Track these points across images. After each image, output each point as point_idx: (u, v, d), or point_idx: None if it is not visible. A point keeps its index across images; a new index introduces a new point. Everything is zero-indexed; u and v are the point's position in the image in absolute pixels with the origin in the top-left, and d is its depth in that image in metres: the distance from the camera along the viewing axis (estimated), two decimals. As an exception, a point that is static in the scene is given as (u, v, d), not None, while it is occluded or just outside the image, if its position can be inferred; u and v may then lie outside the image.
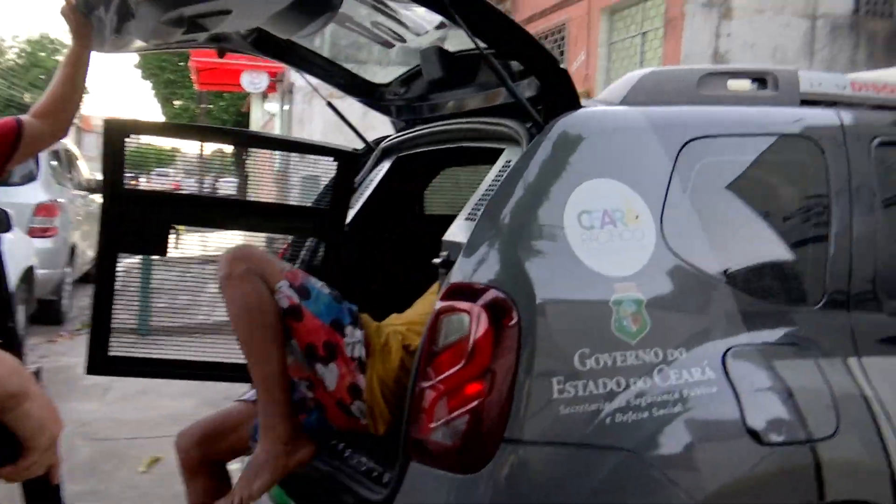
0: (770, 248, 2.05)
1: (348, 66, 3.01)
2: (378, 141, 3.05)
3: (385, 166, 2.93)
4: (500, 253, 1.84)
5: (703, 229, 1.95)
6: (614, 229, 1.86)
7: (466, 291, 1.80)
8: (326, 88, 3.10)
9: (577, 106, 2.01)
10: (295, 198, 3.26)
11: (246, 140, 2.87)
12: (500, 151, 2.22)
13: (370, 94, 2.99)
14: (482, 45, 1.94)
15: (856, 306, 2.05)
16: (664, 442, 1.75)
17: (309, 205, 2.85)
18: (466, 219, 2.09)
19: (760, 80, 2.29)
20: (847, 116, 2.24)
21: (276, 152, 3.33)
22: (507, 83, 1.94)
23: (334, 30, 2.72)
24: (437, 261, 2.11)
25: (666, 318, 1.83)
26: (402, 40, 2.61)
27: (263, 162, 3.43)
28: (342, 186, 2.77)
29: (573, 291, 1.81)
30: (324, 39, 3.02)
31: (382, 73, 3.09)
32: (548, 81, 2.02)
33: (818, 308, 2.01)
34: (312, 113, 12.70)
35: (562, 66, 1.99)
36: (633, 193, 1.91)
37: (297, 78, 12.64)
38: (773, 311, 1.96)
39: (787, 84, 2.28)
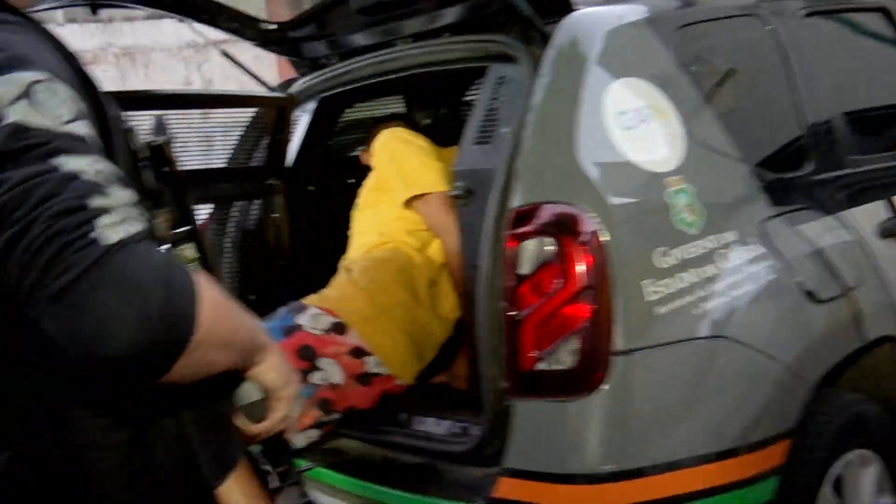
0: (767, 121, 2.15)
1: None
2: (284, 86, 2.77)
3: (308, 111, 2.68)
4: (556, 168, 1.76)
5: (713, 113, 1.99)
6: (649, 126, 1.85)
7: (537, 214, 1.71)
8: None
9: (570, 8, 1.94)
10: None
11: (157, 101, 2.45)
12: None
13: (266, 35, 2.69)
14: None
15: (830, 166, 2.20)
16: (751, 321, 1.80)
17: (248, 164, 2.55)
18: (477, 143, 1.98)
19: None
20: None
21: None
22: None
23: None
24: (453, 193, 1.98)
25: (712, 204, 1.86)
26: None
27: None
28: (278, 138, 2.50)
29: (636, 192, 1.78)
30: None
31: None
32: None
33: (811, 171, 2.14)
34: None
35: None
36: (653, 89, 1.90)
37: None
38: (783, 180, 2.06)
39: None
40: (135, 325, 0.77)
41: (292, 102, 2.51)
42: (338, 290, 2.22)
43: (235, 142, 2.54)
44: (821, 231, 2.04)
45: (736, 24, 2.21)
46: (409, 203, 2.28)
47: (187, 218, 1.16)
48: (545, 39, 1.88)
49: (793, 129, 2.18)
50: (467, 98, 3.13)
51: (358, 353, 2.11)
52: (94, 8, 2.42)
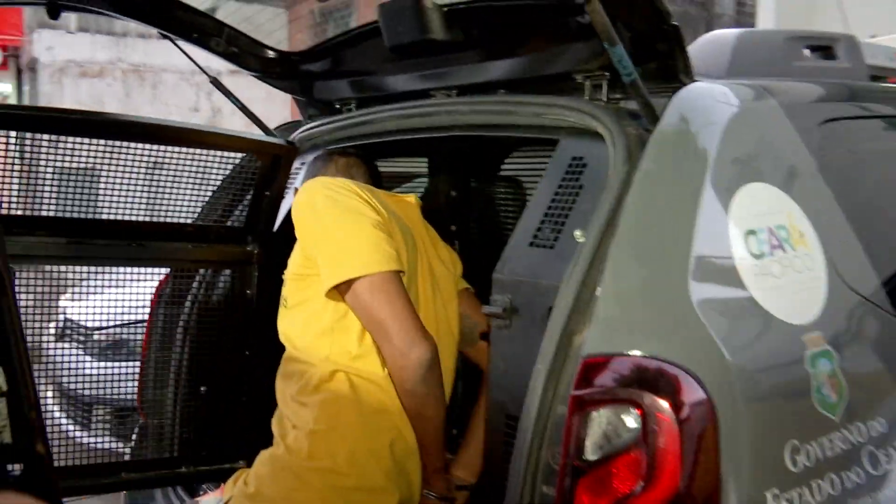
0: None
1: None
2: (287, 129, 2.24)
3: (306, 164, 2.15)
4: (655, 302, 1.20)
5: (860, 244, 1.45)
6: (784, 255, 1.30)
7: (619, 369, 1.15)
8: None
9: (690, 78, 1.42)
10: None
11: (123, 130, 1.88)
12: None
13: (270, 65, 2.17)
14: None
15: None
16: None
17: (223, 223, 2.01)
18: (533, 245, 1.43)
19: (825, 48, 1.84)
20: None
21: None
22: (615, 45, 1.29)
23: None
24: (491, 309, 1.43)
25: (858, 377, 1.31)
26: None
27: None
28: (266, 194, 1.96)
29: (765, 353, 1.23)
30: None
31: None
32: (648, 43, 1.41)
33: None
34: (62, 95, 10.90)
35: (673, 21, 1.38)
36: (790, 202, 1.36)
37: (41, 52, 10.79)
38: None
39: (854, 55, 1.86)
40: None
41: (293, 151, 1.97)
42: (281, 481, 1.53)
43: (209, 193, 2.00)
44: None
45: (886, 127, 1.69)
46: (333, 293, 1.55)
47: None
48: (650, 115, 1.35)
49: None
50: (505, 171, 2.62)
51: None
52: (53, 12, 1.91)
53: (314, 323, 1.56)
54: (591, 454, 1.13)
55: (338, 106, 2.17)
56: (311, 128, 2.14)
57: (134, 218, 1.84)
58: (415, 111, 1.84)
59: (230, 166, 1.99)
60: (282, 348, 1.79)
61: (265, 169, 1.93)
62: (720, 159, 1.31)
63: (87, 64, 10.03)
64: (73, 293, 2.84)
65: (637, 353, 1.15)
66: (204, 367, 2.03)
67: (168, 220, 1.90)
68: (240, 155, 2.04)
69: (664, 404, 1.11)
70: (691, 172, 1.29)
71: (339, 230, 1.53)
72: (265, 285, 2.03)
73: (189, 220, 1.94)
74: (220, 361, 2.02)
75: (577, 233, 1.36)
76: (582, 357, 1.17)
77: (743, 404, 1.14)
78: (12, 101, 13.41)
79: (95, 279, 2.16)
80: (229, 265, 2.01)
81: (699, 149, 1.32)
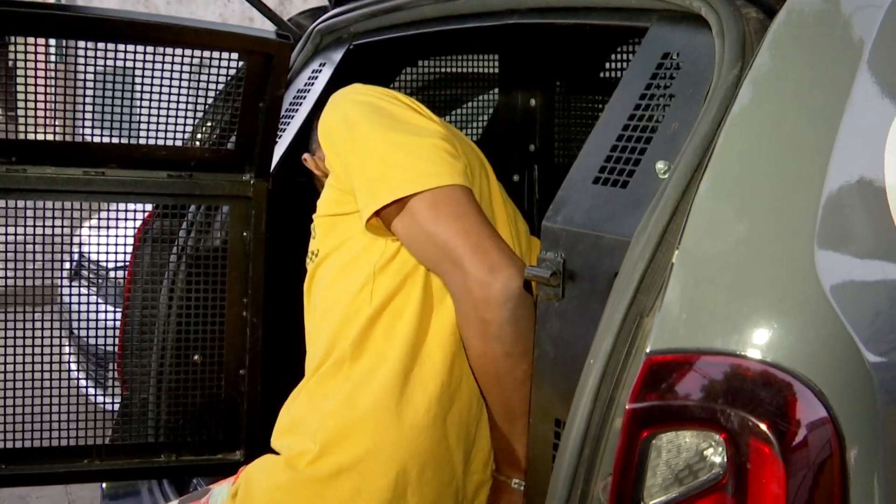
0: None
1: None
2: (308, 18, 2.11)
3: (329, 64, 2.00)
4: (759, 273, 1.00)
5: None
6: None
7: (699, 373, 0.97)
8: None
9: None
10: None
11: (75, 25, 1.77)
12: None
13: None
14: None
15: None
16: None
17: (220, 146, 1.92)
18: (598, 181, 1.25)
19: None
20: None
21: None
22: None
23: None
24: (536, 272, 1.25)
25: None
26: None
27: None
28: (264, 105, 1.82)
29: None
30: None
31: None
32: None
33: None
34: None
35: None
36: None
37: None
38: None
39: None
40: None
41: (285, 49, 1.79)
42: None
43: (191, 109, 1.89)
44: None
45: None
46: (380, 230, 1.39)
47: None
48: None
49: None
50: (608, 71, 2.40)
51: None
52: None
53: (351, 271, 1.42)
54: (653, 496, 0.96)
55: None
56: (334, 15, 1.99)
57: (88, 139, 1.76)
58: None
59: (218, 72, 1.86)
60: (289, 310, 1.70)
61: (253, 74, 1.78)
62: (882, 55, 1.08)
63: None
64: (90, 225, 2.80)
65: (726, 349, 0.95)
66: (196, 330, 1.95)
67: (131, 142, 1.81)
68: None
69: (762, 427, 0.92)
70: (832, 74, 1.07)
71: (383, 141, 1.35)
72: (267, 229, 1.92)
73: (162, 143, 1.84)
74: (214, 324, 1.93)
75: (660, 165, 1.16)
76: (646, 353, 0.98)
77: (886, 430, 0.94)
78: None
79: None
80: (219, 199, 1.90)
81: (848, 38, 1.10)
